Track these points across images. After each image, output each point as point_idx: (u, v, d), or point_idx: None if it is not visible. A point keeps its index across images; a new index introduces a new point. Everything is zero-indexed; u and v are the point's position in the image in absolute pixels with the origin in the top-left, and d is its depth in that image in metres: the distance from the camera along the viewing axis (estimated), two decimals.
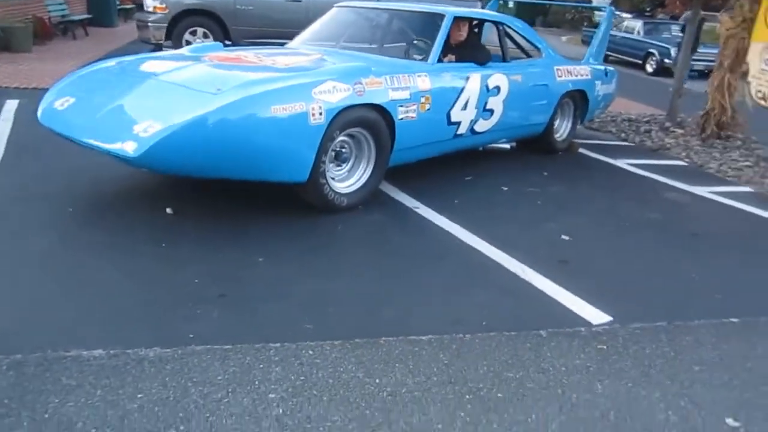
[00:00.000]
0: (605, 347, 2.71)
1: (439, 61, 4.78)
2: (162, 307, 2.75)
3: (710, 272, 3.72)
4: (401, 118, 4.21)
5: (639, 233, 4.29)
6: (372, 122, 4.06)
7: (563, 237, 4.01)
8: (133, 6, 18.33)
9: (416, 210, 4.26)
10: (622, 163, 6.16)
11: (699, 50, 15.20)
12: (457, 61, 4.99)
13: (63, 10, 12.78)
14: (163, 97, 3.58)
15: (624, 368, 2.56)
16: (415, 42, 4.95)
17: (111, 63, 4.46)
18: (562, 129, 6.31)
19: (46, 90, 4.34)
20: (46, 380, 2.16)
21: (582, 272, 3.47)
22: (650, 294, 3.33)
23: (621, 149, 6.80)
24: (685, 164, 6.37)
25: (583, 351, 2.67)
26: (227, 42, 9.83)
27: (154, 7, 9.82)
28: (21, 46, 10.16)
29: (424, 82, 4.41)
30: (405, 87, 4.24)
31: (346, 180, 4.16)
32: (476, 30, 5.70)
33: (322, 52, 4.75)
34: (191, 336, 2.52)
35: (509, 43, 5.73)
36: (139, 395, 2.12)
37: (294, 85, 3.65)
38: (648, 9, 29.21)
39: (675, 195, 5.27)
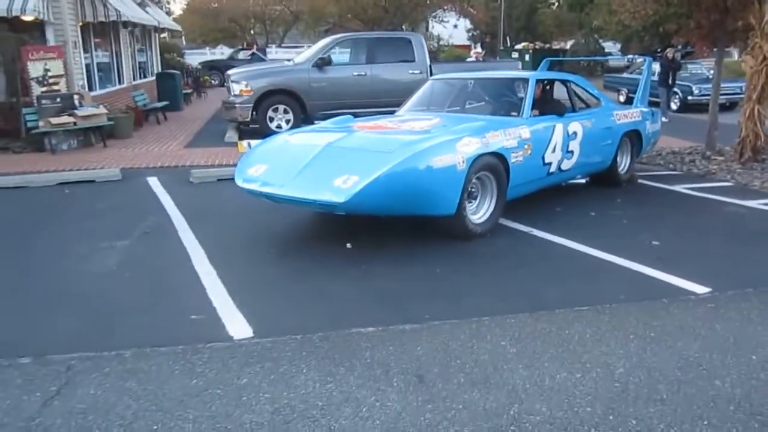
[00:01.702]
0: (713, 305, 3.79)
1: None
2: (392, 299, 3.91)
3: (736, 274, 4.79)
4: (513, 162, 5.41)
5: (711, 235, 5.39)
6: (494, 166, 5.26)
7: (654, 242, 5.12)
8: (192, 90, 20.20)
9: (532, 233, 5.41)
10: (678, 188, 7.28)
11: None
12: (540, 114, 6.22)
13: (145, 99, 14.44)
14: (348, 159, 4.81)
15: (731, 317, 3.63)
16: (508, 101, 6.20)
17: (280, 138, 5.75)
18: (624, 163, 7.46)
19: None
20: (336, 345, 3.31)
21: (678, 264, 4.55)
22: (733, 273, 4.40)
23: (673, 177, 7.92)
24: (732, 184, 7.45)
25: (698, 309, 3.76)
26: (302, 116, 11.28)
27: (241, 90, 11.31)
28: (124, 133, 11.68)
29: (525, 133, 5.64)
30: (514, 137, 5.46)
31: (476, 213, 5.33)
32: (548, 87, 6.95)
33: (440, 116, 6.01)
34: (426, 316, 3.66)
35: (575, 96, 6.96)
36: (404, 347, 3.26)
37: (443, 142, 4.88)
38: (658, 50, 30.73)
39: (732, 208, 6.36)
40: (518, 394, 2.81)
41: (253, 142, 10.15)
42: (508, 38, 45.02)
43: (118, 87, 15.06)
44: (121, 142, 11.18)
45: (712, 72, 17.86)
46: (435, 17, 41.81)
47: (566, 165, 6.29)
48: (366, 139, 5.22)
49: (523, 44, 38.97)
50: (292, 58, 13.19)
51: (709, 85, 16.14)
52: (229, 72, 11.97)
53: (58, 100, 10.38)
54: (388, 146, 4.83)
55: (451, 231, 5.16)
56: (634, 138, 7.50)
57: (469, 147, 4.96)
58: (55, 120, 10.00)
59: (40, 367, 3.14)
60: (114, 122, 11.16)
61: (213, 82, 27.03)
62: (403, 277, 4.39)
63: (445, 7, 40.67)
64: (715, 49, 9.48)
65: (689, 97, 16.53)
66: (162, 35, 24.23)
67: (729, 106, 15.65)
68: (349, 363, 3.12)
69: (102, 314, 3.87)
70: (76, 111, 10.33)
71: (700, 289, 4.07)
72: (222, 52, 35.38)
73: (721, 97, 15.97)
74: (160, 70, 19.61)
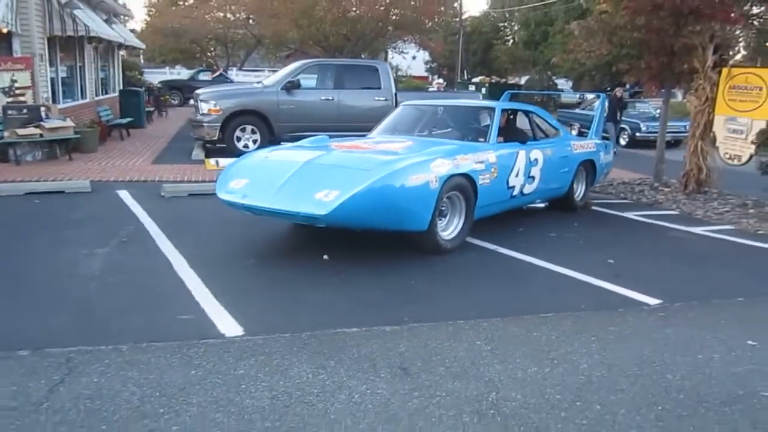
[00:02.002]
0: (663, 314, 4.19)
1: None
2: (372, 304, 4.17)
3: (716, 278, 5.25)
4: (481, 183, 5.79)
5: (660, 256, 5.85)
6: (463, 187, 5.61)
7: (609, 261, 5.54)
8: (153, 108, 20.17)
9: (498, 250, 5.77)
10: (629, 214, 7.79)
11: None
12: (505, 141, 6.63)
13: (109, 115, 14.44)
14: (328, 175, 5.09)
15: (679, 324, 4.03)
16: (475, 128, 6.61)
17: (260, 155, 5.98)
18: (579, 190, 7.95)
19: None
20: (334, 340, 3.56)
21: (631, 279, 4.96)
22: (680, 288, 4.83)
23: (623, 205, 8.46)
24: (677, 213, 8.01)
25: (650, 317, 4.14)
26: (270, 137, 11.50)
27: (209, 110, 11.48)
28: (89, 147, 11.65)
29: (492, 157, 6.03)
30: (482, 161, 5.85)
31: (446, 230, 5.65)
32: (512, 117, 7.40)
33: (412, 140, 6.36)
34: (406, 319, 3.94)
35: (536, 126, 7.43)
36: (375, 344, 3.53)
37: (418, 162, 5.22)
38: (608, 88, 32.19)
39: (677, 233, 6.88)
40: (495, 384, 3.11)
41: (222, 161, 10.41)
42: (465, 71, 46.33)
43: (81, 101, 14.97)
44: (87, 156, 11.16)
45: (658, 111, 18.95)
46: (395, 48, 42.77)
47: (528, 189, 6.70)
48: (344, 157, 5.51)
49: (480, 78, 40.18)
50: (261, 81, 13.42)
51: (656, 123, 17.10)
52: (198, 91, 12.12)
53: (25, 111, 10.35)
54: (366, 164, 5.13)
55: (422, 246, 5.46)
56: (589, 167, 8.01)
57: (442, 168, 5.31)
58: (21, 131, 9.96)
59: (40, 359, 3.27)
60: (80, 136, 11.15)
61: (173, 101, 26.99)
62: (381, 286, 4.66)
63: (405, 39, 41.67)
64: (662, 90, 10.16)
65: (637, 134, 17.44)
66: (121, 53, 24.13)
67: (674, 143, 16.57)
68: (338, 357, 3.36)
69: (93, 314, 4.01)
70: (42, 123, 10.32)
71: (652, 301, 4.47)
72: (179, 72, 35.30)
73: (667, 134, 17.04)
74: (121, 86, 19.55)
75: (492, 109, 6.73)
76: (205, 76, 30.18)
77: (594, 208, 8.17)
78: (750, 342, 3.75)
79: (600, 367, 3.33)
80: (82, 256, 5.28)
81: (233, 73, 34.77)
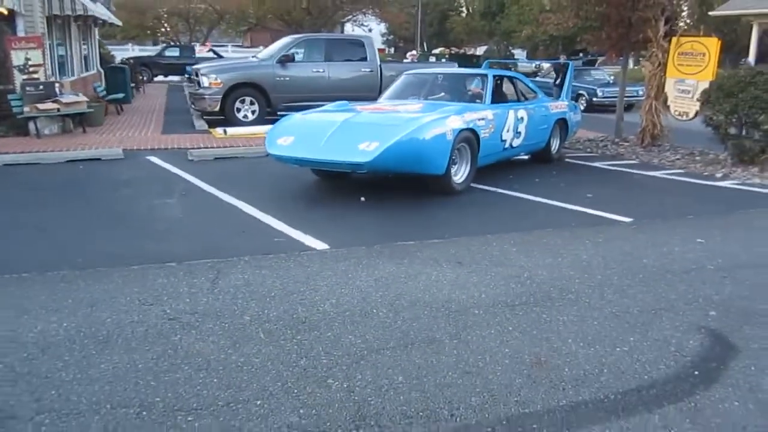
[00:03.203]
0: (636, 227, 5.57)
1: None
2: (414, 227, 5.42)
3: (672, 204, 6.66)
4: (482, 136, 7.03)
5: (627, 191, 7.26)
6: (470, 139, 6.85)
7: (588, 195, 6.91)
8: (134, 85, 20.71)
9: (497, 191, 7.08)
10: (597, 164, 9.20)
11: (617, 88, 19.16)
12: (496, 102, 7.87)
13: (103, 91, 15.14)
14: (366, 130, 6.24)
15: (647, 232, 5.39)
16: (471, 91, 7.85)
17: (297, 117, 7.07)
18: (555, 145, 9.29)
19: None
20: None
21: (607, 206, 6.30)
22: (646, 211, 6.21)
23: (591, 158, 9.86)
24: (637, 162, 9.45)
25: (626, 229, 5.51)
26: (267, 108, 12.52)
27: (211, 83, 12.39)
28: (97, 121, 12.46)
29: (489, 115, 7.27)
30: (482, 118, 7.09)
31: (457, 175, 6.88)
32: (499, 82, 8.64)
33: (422, 102, 7.54)
34: (446, 235, 5.20)
35: (519, 90, 8.70)
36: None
37: (437, 118, 6.42)
38: (568, 56, 33.81)
39: (638, 176, 8.31)
40: (526, 268, 4.40)
41: (230, 130, 11.41)
42: (424, 43, 47.35)
43: (73, 78, 15.59)
44: (96, 129, 11.96)
45: (612, 78, 20.55)
46: (356, 21, 43.49)
47: (516, 143, 8.00)
48: (374, 116, 6.69)
49: (441, 49, 41.32)
50: (255, 55, 14.30)
51: (611, 89, 18.77)
52: (197, 66, 13.01)
53: (41, 87, 11.10)
54: (396, 121, 6.33)
55: (439, 187, 6.69)
56: (562, 125, 9.36)
57: (455, 123, 6.54)
58: (42, 106, 10.74)
59: (189, 268, 4.40)
60: (93, 110, 11.95)
61: (143, 77, 27.33)
62: (415, 217, 5.91)
63: (365, 11, 42.43)
64: (621, 57, 11.55)
65: (594, 99, 18.96)
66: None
67: (627, 107, 18.19)
68: (408, 258, 4.60)
69: (200, 239, 5.14)
70: (59, 98, 11.10)
71: (626, 219, 5.85)
72: (141, 49, 35.34)
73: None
74: (99, 64, 20.03)
75: (485, 75, 7.96)
76: (171, 52, 30.52)
77: (567, 160, 9.55)
78: (699, 240, 5.14)
79: (596, 257, 4.66)
80: (157, 204, 6.35)
81: (225, 51, 34.96)
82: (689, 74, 9.74)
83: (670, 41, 10.00)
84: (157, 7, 33.61)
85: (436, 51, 41.41)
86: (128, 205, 6.37)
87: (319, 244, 4.96)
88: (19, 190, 7.17)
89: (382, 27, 49.08)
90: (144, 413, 2.57)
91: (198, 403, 2.64)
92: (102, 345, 3.17)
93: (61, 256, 4.68)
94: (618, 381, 2.86)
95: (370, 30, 44.41)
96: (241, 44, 42.79)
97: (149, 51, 33.19)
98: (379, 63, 13.48)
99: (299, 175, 7.46)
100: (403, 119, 6.40)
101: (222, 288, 3.99)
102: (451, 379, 2.86)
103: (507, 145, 7.79)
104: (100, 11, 16.89)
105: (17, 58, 11.19)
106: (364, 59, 13.37)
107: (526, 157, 9.08)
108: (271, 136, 6.80)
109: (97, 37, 21.07)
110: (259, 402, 2.66)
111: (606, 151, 10.34)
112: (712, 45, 9.43)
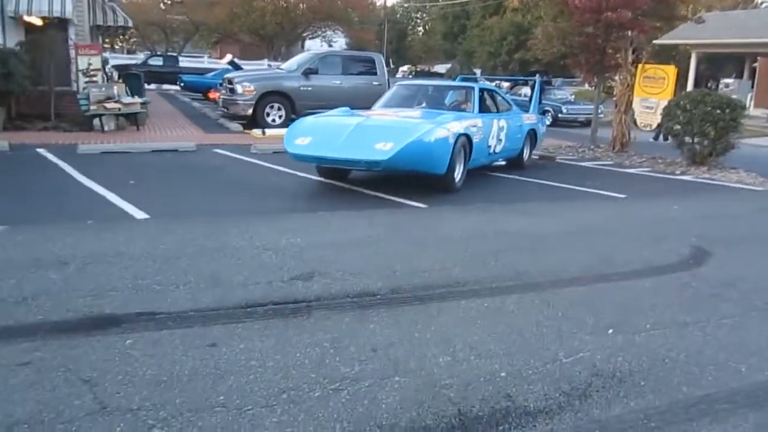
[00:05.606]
0: (624, 198, 7.82)
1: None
2: (445, 203, 7.51)
3: (646, 188, 8.94)
4: (475, 141, 8.75)
5: (610, 181, 9.52)
6: (465, 143, 8.49)
7: (588, 182, 9.14)
8: None
9: (495, 174, 9.24)
10: (581, 164, 11.50)
11: (579, 106, 21.94)
12: (482, 112, 9.77)
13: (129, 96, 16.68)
14: (380, 132, 7.29)
15: (632, 203, 7.63)
16: (459, 102, 9.80)
17: (309, 120, 8.25)
18: (526, 153, 11.00)
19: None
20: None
21: (600, 188, 8.52)
22: (631, 192, 8.44)
23: (574, 160, 12.16)
24: (612, 163, 11.79)
25: (618, 201, 7.76)
26: (292, 114, 14.39)
27: (245, 90, 14.21)
28: (142, 121, 14.08)
29: (478, 123, 8.86)
30: (474, 125, 8.72)
31: (456, 174, 8.68)
32: (483, 95, 10.52)
33: (419, 110, 9.17)
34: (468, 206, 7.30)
35: (497, 102, 10.63)
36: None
37: (442, 123, 7.95)
38: (535, 72, 36.64)
39: (616, 173, 10.65)
40: (535, 224, 6.52)
41: (268, 131, 13.25)
42: (390, 60, 49.83)
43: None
44: (144, 128, 13.59)
45: (573, 96, 23.28)
46: (324, 37, 45.55)
47: (498, 149, 9.43)
48: (384, 120, 8.02)
49: (408, 66, 43.78)
50: (280, 67, 16.13)
51: (574, 106, 21.52)
52: (230, 75, 14.81)
53: (103, 89, 12.72)
54: (405, 125, 7.61)
55: (441, 185, 7.69)
56: (533, 135, 11.06)
57: (454, 128, 7.60)
58: (108, 105, 12.37)
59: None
60: (145, 110, 13.61)
61: None
62: (427, 196, 7.97)
63: (335, 29, 44.61)
64: (596, 79, 14.02)
65: (560, 115, 21.56)
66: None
67: (587, 123, 20.81)
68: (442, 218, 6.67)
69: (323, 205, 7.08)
70: (120, 99, 12.74)
71: (619, 196, 8.09)
72: (129, 57, 36.35)
73: (581, 116, 21.35)
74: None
75: (472, 88, 9.77)
76: (155, 61, 31.79)
77: (558, 161, 11.83)
78: (675, 207, 7.42)
79: (595, 218, 6.86)
80: (261, 181, 8.22)
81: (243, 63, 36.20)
82: (652, 94, 12.23)
83: (636, 67, 12.47)
84: (136, 17, 34.75)
85: (404, 68, 43.85)
86: (239, 180, 8.21)
87: (418, 202, 6.97)
88: (142, 170, 8.86)
89: (342, 42, 51.02)
90: None
91: None
92: None
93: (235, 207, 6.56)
94: (647, 265, 4.99)
95: (330, 45, 46.38)
96: (209, 55, 44.12)
97: (122, 59, 34.22)
98: (387, 78, 15.56)
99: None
100: (413, 123, 7.50)
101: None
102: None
103: (491, 151, 9.07)
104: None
105: (82, 62, 12.79)
106: (375, 74, 15.43)
107: (503, 162, 11.01)
108: (289, 136, 7.61)
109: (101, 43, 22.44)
110: None
111: (585, 155, 12.70)
112: (670, 71, 11.95)
